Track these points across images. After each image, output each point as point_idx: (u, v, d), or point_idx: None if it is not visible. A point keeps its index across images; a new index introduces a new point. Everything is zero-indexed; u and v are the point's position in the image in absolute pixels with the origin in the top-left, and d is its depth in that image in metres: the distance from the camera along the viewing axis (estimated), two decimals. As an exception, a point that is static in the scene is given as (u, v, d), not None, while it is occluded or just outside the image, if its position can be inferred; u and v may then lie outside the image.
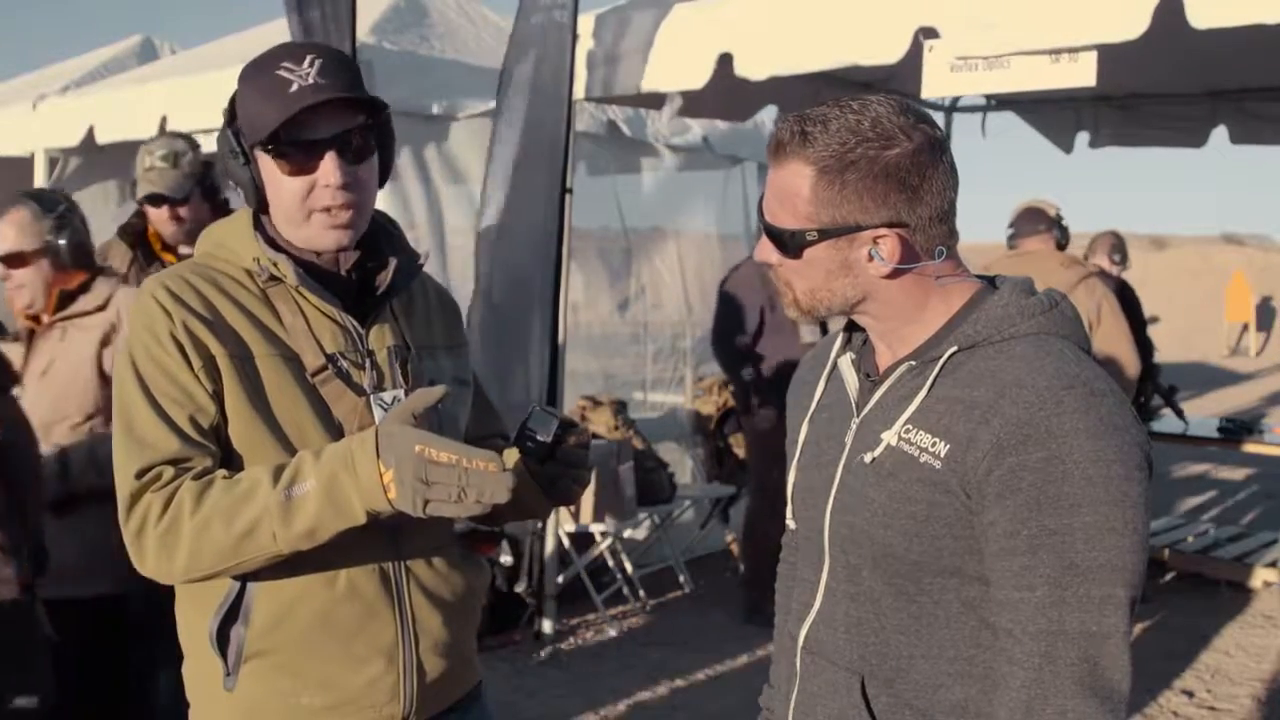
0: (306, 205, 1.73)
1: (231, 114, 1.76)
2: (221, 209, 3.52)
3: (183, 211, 3.50)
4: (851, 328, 1.64)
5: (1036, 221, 5.31)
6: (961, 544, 1.43)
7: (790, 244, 1.47)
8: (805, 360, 1.75)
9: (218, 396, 1.68)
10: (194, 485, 1.63)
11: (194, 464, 1.65)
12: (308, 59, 1.70)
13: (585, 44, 5.25)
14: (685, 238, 7.72)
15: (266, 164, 1.73)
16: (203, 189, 3.51)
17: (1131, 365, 4.92)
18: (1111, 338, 4.86)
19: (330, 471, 1.60)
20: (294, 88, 1.68)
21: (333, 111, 1.70)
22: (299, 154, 1.70)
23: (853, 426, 1.55)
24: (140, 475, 1.64)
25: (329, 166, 1.70)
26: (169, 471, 1.64)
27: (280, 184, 1.73)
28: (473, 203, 5.71)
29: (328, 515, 1.60)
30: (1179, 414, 6.94)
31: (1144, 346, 6.34)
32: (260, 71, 1.72)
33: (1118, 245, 6.68)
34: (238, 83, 1.76)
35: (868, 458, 1.49)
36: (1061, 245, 5.29)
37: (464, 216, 6.04)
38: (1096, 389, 1.38)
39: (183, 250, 3.53)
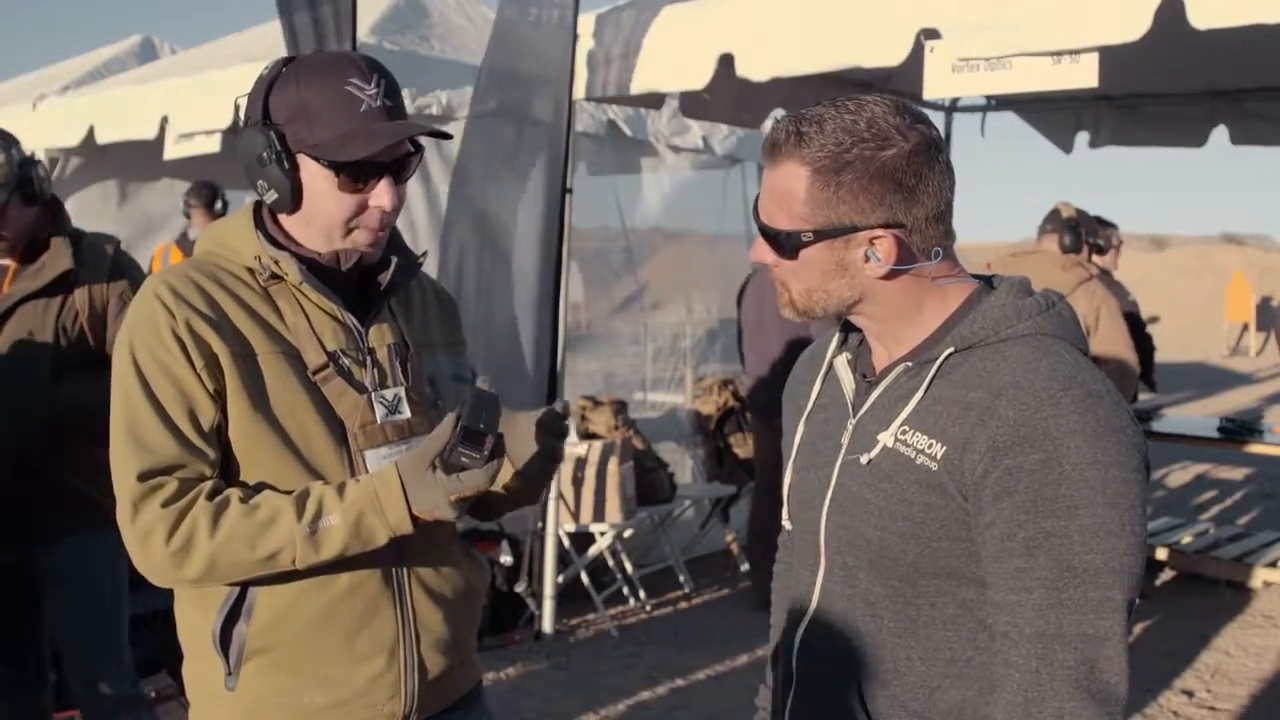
0: (352, 223, 1.74)
1: (264, 112, 1.72)
2: (52, 208, 3.08)
3: None
4: (848, 328, 1.63)
5: (1049, 221, 5.32)
6: (958, 546, 1.43)
7: (786, 245, 1.47)
8: (802, 360, 1.75)
9: (219, 395, 1.69)
10: (208, 507, 1.65)
11: (194, 471, 1.67)
12: (373, 77, 1.71)
13: (585, 44, 5.25)
14: (685, 237, 7.74)
15: (318, 176, 1.71)
16: (23, 194, 2.99)
17: (1130, 368, 4.92)
18: (1109, 341, 4.85)
19: (358, 512, 1.66)
20: (364, 107, 1.68)
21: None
22: (360, 174, 1.70)
23: (849, 427, 1.55)
24: (142, 479, 1.65)
25: (384, 191, 1.72)
26: (173, 485, 1.65)
27: (330, 199, 1.72)
28: (472, 203, 5.71)
29: (352, 546, 1.68)
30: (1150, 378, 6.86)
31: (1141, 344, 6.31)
32: (324, 80, 1.70)
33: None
34: (286, 82, 1.71)
35: (864, 459, 1.49)
36: (1069, 248, 5.28)
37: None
38: (1093, 390, 1.38)
39: (1, 261, 3.05)
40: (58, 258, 3.01)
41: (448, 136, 1.78)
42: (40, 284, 2.99)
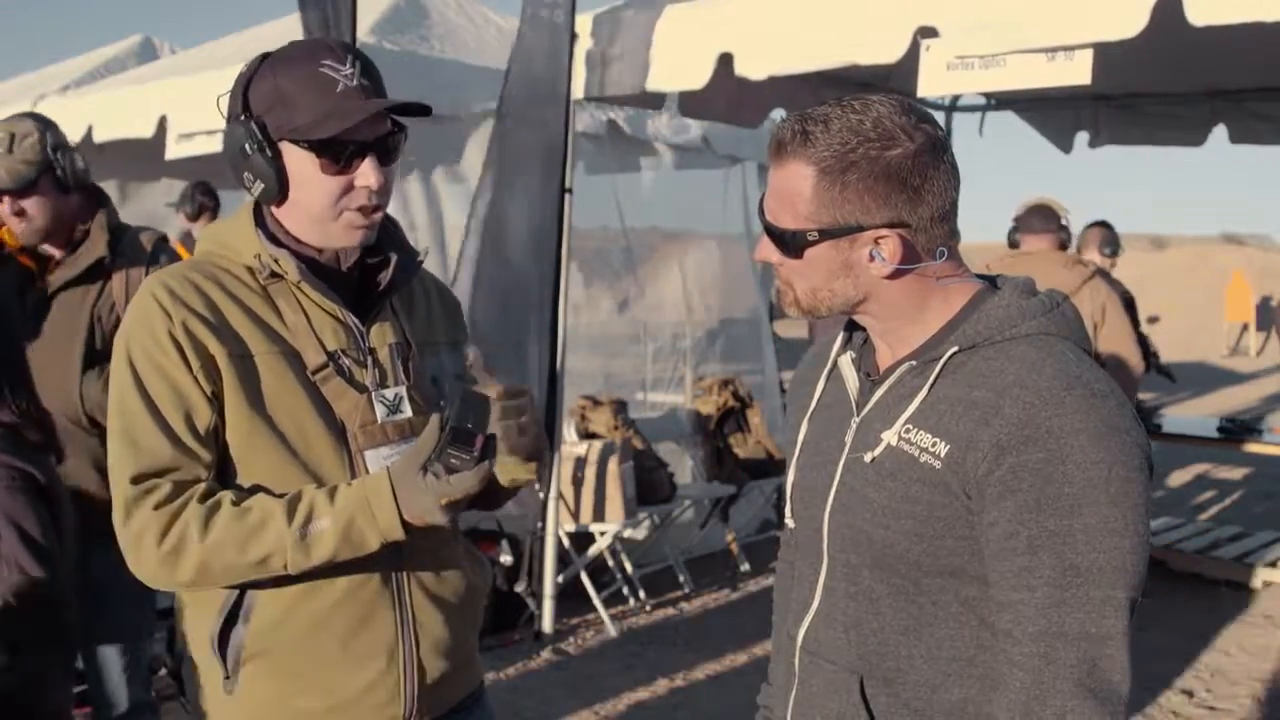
0: (340, 205, 1.73)
1: (245, 105, 1.73)
2: (93, 198, 3.09)
3: (28, 205, 2.98)
4: (852, 327, 1.63)
5: (1048, 220, 5.31)
6: (961, 544, 1.43)
7: (791, 244, 1.47)
8: (806, 359, 1.75)
9: (216, 398, 1.68)
10: (200, 510, 1.64)
11: (188, 473, 1.67)
12: (348, 58, 1.71)
13: (584, 44, 5.25)
14: (685, 237, 7.73)
15: (301, 160, 1.71)
16: (55, 179, 2.99)
17: (1135, 366, 4.93)
18: (1115, 338, 4.87)
19: (348, 518, 1.65)
20: (340, 88, 1.68)
21: (376, 115, 1.71)
22: (343, 155, 1.70)
23: (853, 426, 1.55)
24: (135, 481, 1.65)
25: (369, 169, 1.72)
26: (166, 487, 1.65)
27: (316, 182, 1.71)
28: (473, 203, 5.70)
29: (343, 551, 1.66)
30: (1167, 375, 6.96)
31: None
32: (299, 66, 1.70)
33: (1109, 238, 6.49)
34: (263, 74, 1.72)
35: (868, 457, 1.49)
36: (1064, 246, 5.30)
37: (464, 216, 6.03)
38: (1097, 390, 1.38)
39: (45, 250, 3.06)
40: (93, 244, 3.01)
41: (427, 112, 1.76)
42: (76, 271, 2.99)
